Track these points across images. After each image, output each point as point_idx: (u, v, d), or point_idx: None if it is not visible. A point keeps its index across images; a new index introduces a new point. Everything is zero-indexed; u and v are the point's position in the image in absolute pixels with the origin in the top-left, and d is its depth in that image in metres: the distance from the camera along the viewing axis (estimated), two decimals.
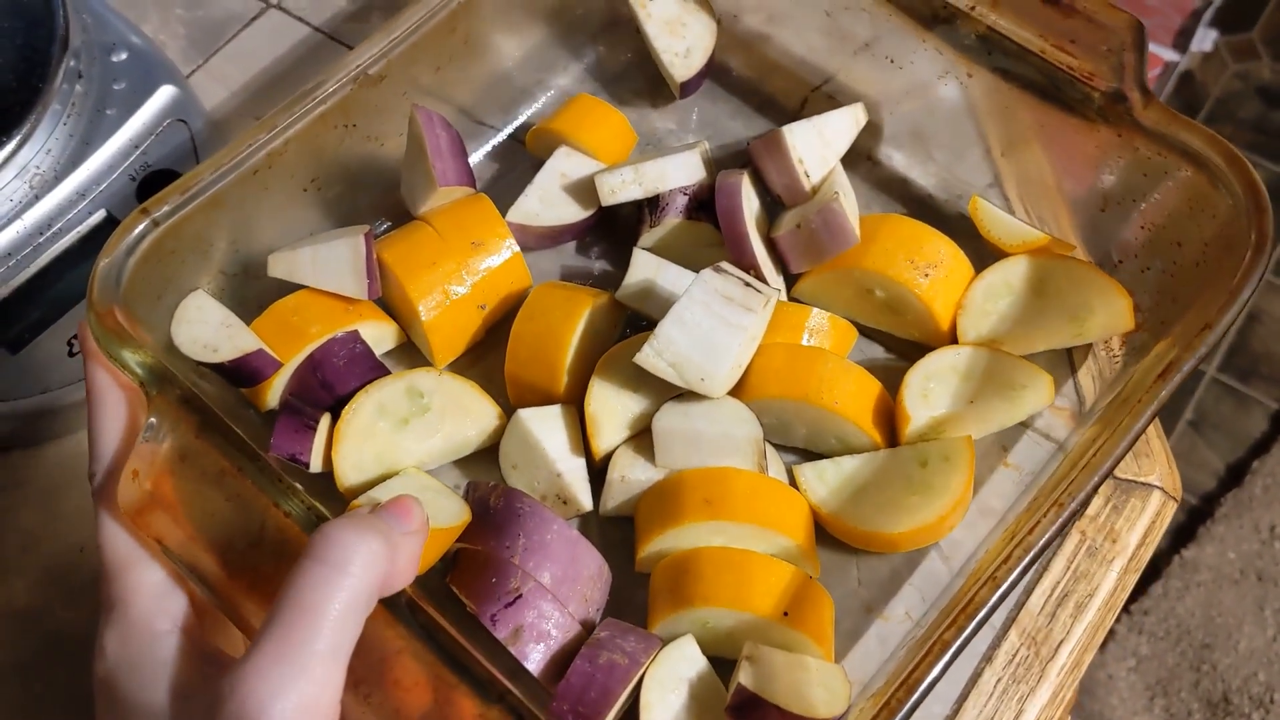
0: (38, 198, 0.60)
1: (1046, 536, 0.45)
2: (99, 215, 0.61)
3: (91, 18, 0.67)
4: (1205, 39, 1.99)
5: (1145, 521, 0.59)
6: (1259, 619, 1.56)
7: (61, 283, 0.60)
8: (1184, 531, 1.64)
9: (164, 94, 0.64)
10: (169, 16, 0.74)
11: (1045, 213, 0.62)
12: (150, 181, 0.63)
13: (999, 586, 0.44)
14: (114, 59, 0.65)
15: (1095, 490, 0.46)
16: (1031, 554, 0.45)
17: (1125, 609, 1.57)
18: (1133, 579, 0.59)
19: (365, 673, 0.43)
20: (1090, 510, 0.59)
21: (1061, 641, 0.56)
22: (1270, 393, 1.72)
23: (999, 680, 0.55)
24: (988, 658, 0.56)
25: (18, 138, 0.59)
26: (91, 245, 0.52)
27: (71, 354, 0.59)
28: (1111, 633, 1.56)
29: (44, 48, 0.61)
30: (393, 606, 0.44)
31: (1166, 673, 1.53)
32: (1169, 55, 1.96)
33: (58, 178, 0.61)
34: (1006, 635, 0.56)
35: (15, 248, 0.60)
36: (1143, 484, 0.60)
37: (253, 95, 0.71)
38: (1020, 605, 0.57)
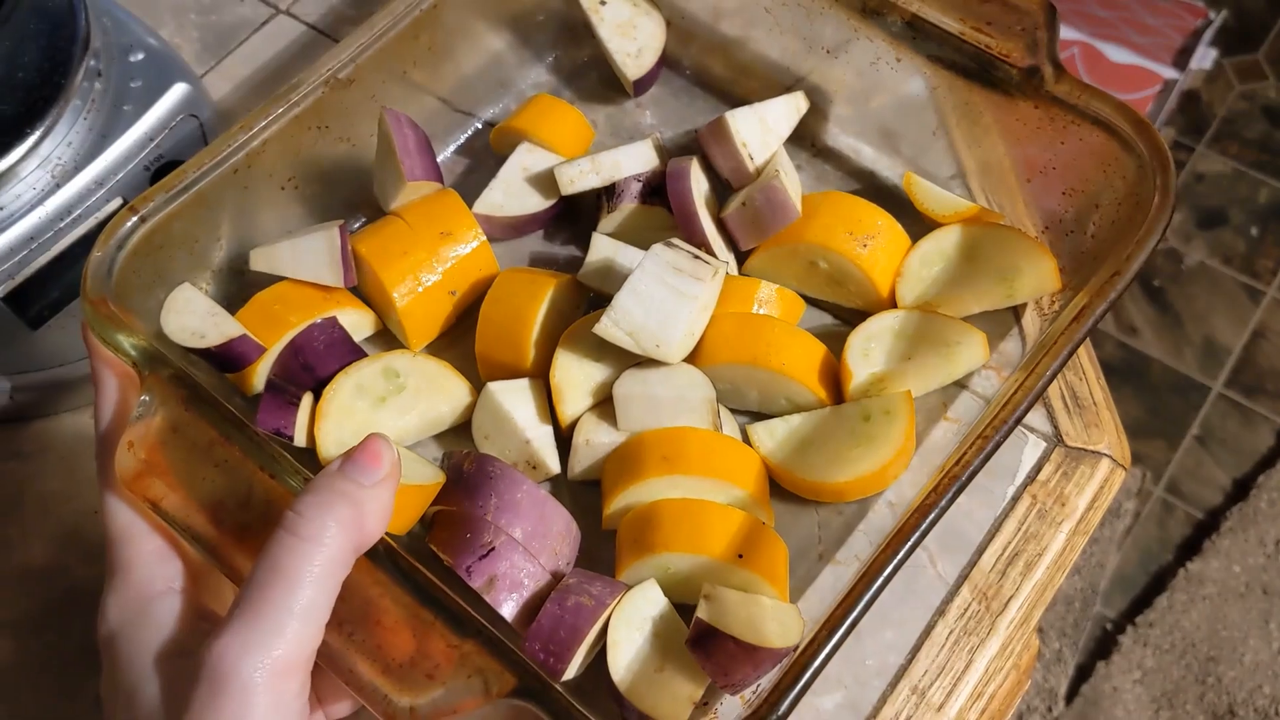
0: (58, 186, 0.64)
1: (971, 469, 0.49)
2: (115, 203, 0.65)
3: (111, 21, 0.71)
4: (1205, 58, 2.04)
5: (1094, 487, 0.63)
6: (1264, 632, 1.58)
7: (79, 265, 0.64)
8: (1189, 545, 1.67)
9: (177, 91, 0.68)
10: (184, 21, 0.79)
11: (990, 186, 0.66)
12: (163, 172, 0.66)
13: (928, 514, 0.48)
14: (131, 59, 0.69)
15: (1016, 424, 0.50)
16: (957, 484, 0.48)
17: (1131, 621, 1.60)
18: (1081, 540, 0.62)
19: (348, 614, 0.46)
20: (1041, 476, 0.63)
21: (1011, 597, 0.59)
22: (1276, 408, 1.77)
23: (951, 632, 0.58)
24: (941, 611, 0.59)
25: (40, 130, 0.63)
26: None
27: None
28: (1117, 644, 1.59)
29: (66, 48, 0.65)
30: (374, 555, 0.47)
31: (1172, 685, 1.55)
32: (1168, 73, 2.01)
33: (77, 168, 0.65)
34: (959, 591, 0.59)
35: (37, 232, 0.63)
36: (1092, 452, 0.63)
37: (262, 93, 0.76)
38: (973, 564, 0.60)
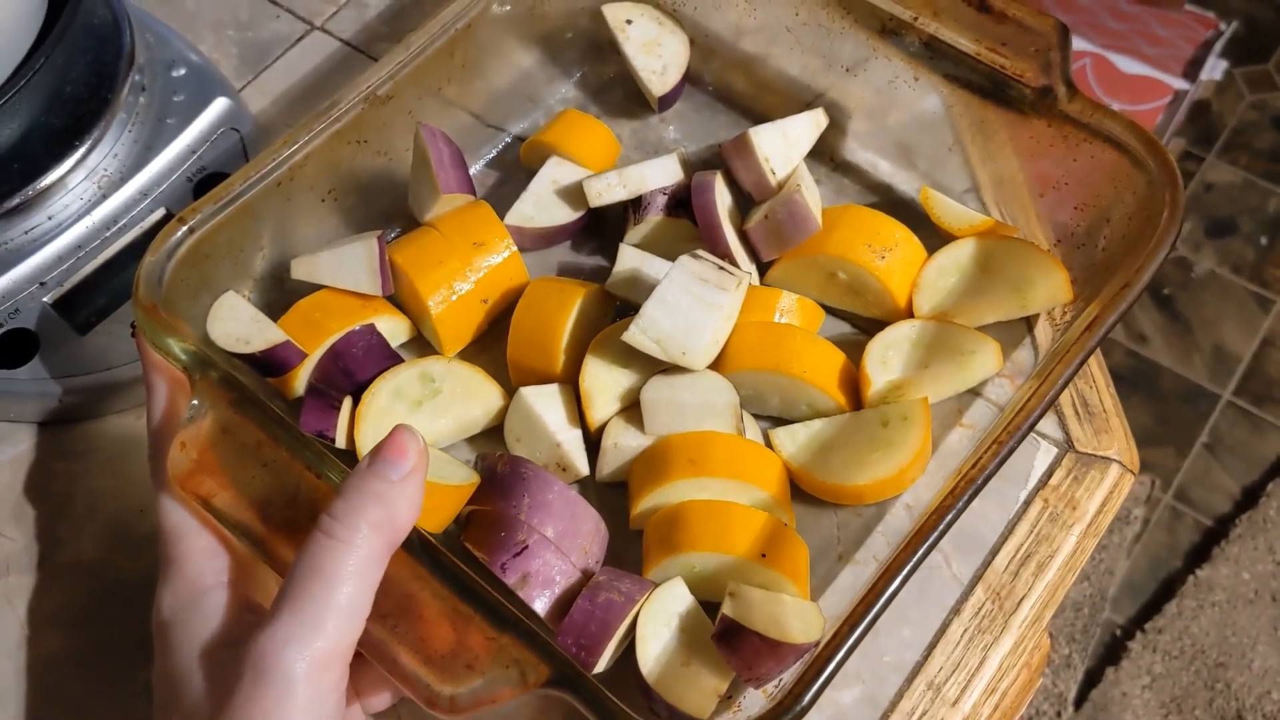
0: (104, 197, 0.67)
1: (987, 472, 0.51)
2: (159, 213, 0.68)
3: (154, 37, 0.74)
4: (1215, 68, 2.06)
5: (1103, 492, 0.65)
6: (1273, 639, 1.60)
7: (125, 273, 0.67)
8: (1199, 552, 1.68)
9: (218, 105, 0.71)
10: (222, 37, 0.82)
11: (1004, 200, 0.68)
12: (205, 183, 0.70)
13: (945, 515, 0.50)
14: (174, 74, 0.72)
15: (1030, 429, 0.52)
16: (974, 487, 0.50)
17: (1140, 627, 1.62)
18: (1091, 543, 0.64)
19: (390, 607, 0.49)
20: (1053, 480, 0.64)
21: (1024, 597, 0.61)
22: None
23: (965, 631, 0.60)
24: (955, 610, 0.61)
25: (88, 143, 0.66)
26: (152, 240, 0.59)
27: (133, 335, 0.66)
28: (1126, 650, 1.61)
29: (112, 63, 0.68)
30: (414, 551, 0.50)
31: (1181, 691, 1.57)
32: (1179, 84, 2.03)
33: (122, 179, 0.68)
34: (973, 591, 0.61)
35: (84, 241, 0.66)
36: (1102, 457, 0.65)
37: (299, 107, 0.78)
38: (986, 565, 0.62)
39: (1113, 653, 1.63)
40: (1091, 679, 1.62)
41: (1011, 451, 0.51)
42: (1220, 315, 1.90)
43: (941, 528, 0.50)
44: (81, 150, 0.67)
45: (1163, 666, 1.60)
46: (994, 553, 0.61)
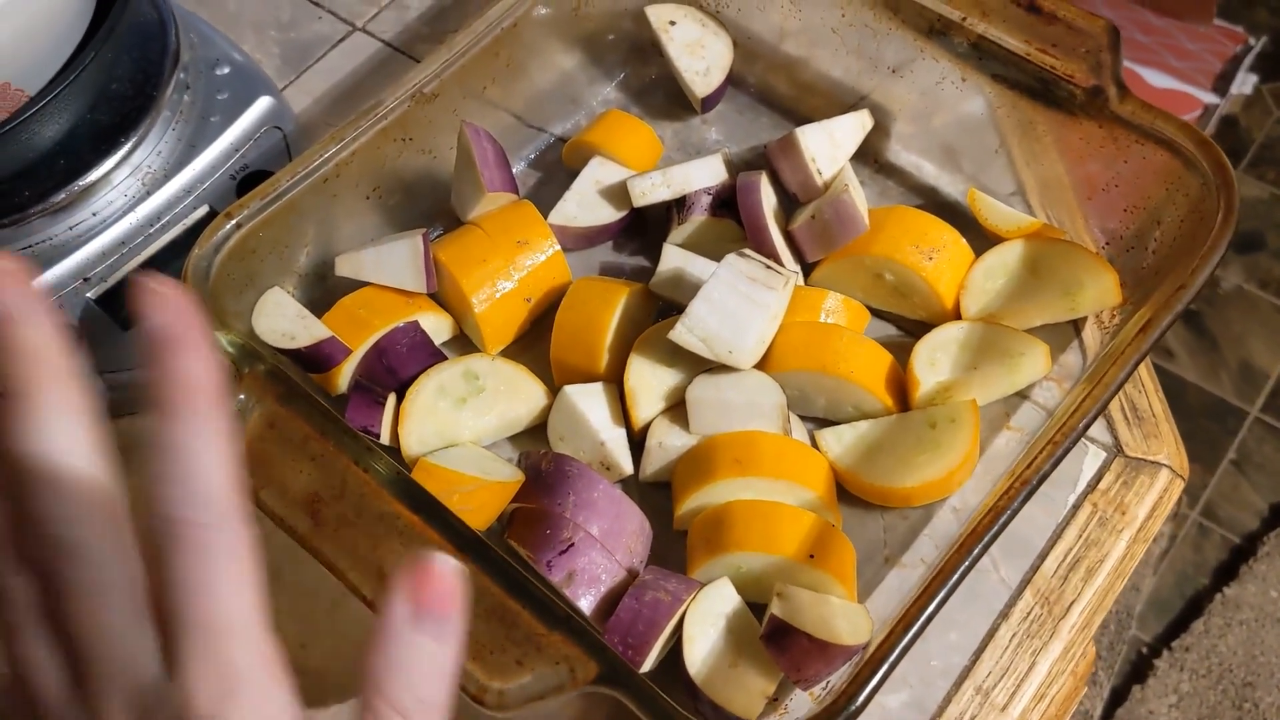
0: (149, 193, 0.67)
1: (1041, 473, 0.50)
2: (202, 210, 0.68)
3: (198, 37, 0.74)
4: (1244, 83, 2.05)
5: (1153, 497, 0.64)
6: None
7: (168, 269, 0.67)
8: (1226, 570, 1.66)
9: (262, 104, 0.71)
10: (264, 37, 0.82)
11: (1050, 203, 0.68)
12: (248, 181, 0.70)
13: (999, 516, 0.49)
14: (218, 72, 0.72)
15: (1086, 430, 0.51)
16: (1028, 488, 0.50)
17: (1167, 645, 1.60)
18: (1141, 549, 0.63)
19: None
20: (1102, 485, 0.64)
21: (1073, 602, 0.61)
22: None
23: (1014, 635, 0.60)
24: (1004, 614, 0.60)
25: (133, 140, 0.66)
26: (195, 237, 0.58)
27: None
28: (1153, 668, 1.59)
29: (157, 61, 0.68)
30: (465, 548, 0.49)
31: (1208, 710, 1.55)
32: (1208, 99, 2.01)
33: (166, 176, 0.68)
34: (1022, 595, 0.61)
35: (128, 237, 0.66)
36: (1151, 462, 0.65)
37: (341, 107, 0.79)
38: (1035, 569, 0.61)
39: (1139, 671, 1.62)
40: (1117, 697, 1.60)
41: (1066, 452, 0.51)
42: (1247, 331, 1.89)
43: (996, 529, 0.49)
44: (126, 147, 0.67)
45: (1190, 685, 1.58)
46: (1042, 557, 0.61)
